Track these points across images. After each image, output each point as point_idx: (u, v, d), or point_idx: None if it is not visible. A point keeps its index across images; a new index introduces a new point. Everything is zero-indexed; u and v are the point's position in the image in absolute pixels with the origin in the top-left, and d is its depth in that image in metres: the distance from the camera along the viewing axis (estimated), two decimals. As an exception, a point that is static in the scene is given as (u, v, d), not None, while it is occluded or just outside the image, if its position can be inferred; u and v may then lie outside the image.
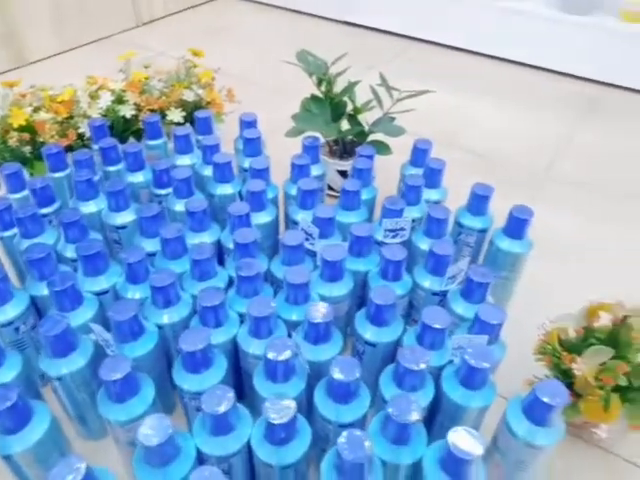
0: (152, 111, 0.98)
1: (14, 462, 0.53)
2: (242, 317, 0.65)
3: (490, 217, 0.81)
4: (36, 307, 0.68)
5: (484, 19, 1.64)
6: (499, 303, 0.73)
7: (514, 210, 0.75)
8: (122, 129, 0.98)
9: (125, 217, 0.78)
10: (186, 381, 0.57)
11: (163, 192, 0.85)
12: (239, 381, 0.67)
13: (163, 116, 1.00)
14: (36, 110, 0.94)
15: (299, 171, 0.85)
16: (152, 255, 0.72)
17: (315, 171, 0.90)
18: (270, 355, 0.55)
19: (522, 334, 0.68)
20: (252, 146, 0.90)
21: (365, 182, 0.85)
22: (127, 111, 0.96)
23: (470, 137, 1.31)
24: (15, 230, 0.74)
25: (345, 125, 0.99)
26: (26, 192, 0.81)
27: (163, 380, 0.65)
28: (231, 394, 0.51)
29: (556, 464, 0.64)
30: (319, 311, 0.60)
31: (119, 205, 0.77)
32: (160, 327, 0.64)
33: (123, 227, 0.78)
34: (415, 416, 0.49)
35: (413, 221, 0.80)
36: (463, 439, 0.47)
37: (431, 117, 1.28)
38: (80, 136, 0.94)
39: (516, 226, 0.75)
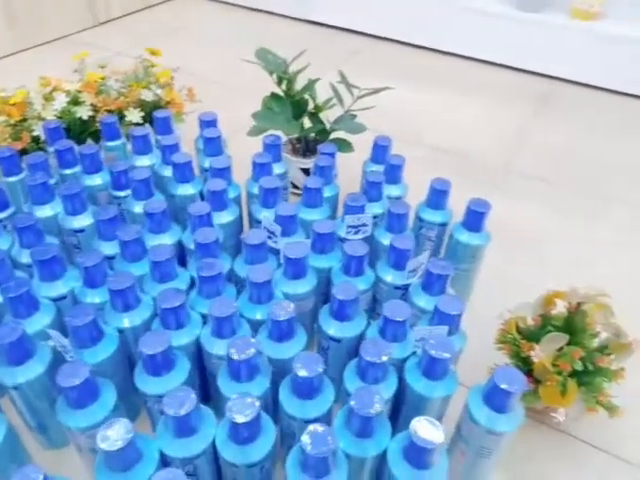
0: (110, 112, 0.96)
1: (-32, 476, 0.52)
2: (205, 318, 0.64)
3: (449, 211, 0.83)
4: (-9, 315, 0.66)
5: (443, 17, 1.67)
6: (460, 295, 0.74)
7: (471, 204, 0.77)
8: (79, 131, 0.96)
9: (82, 220, 0.76)
10: (148, 384, 0.57)
11: (122, 194, 0.83)
12: (205, 383, 0.66)
13: (121, 117, 0.98)
14: (-13, 113, 0.91)
15: (260, 169, 0.85)
16: (112, 258, 0.71)
17: (277, 169, 0.90)
18: (232, 354, 0.54)
19: (483, 324, 0.70)
20: (212, 145, 0.89)
21: (327, 179, 0.86)
22: (84, 112, 0.94)
23: (431, 134, 1.33)
24: (-33, 236, 0.72)
25: (307, 123, 0.99)
26: (-22, 197, 0.78)
27: (127, 385, 0.64)
28: (193, 395, 0.51)
29: (517, 449, 0.66)
30: (282, 309, 0.60)
31: (76, 208, 0.76)
32: (121, 331, 0.63)
33: (81, 230, 0.76)
34: (377, 408, 0.50)
35: (375, 217, 0.81)
36: (425, 428, 0.48)
37: (392, 114, 1.30)
38: (35, 139, 0.92)
39: (474, 219, 0.77)
